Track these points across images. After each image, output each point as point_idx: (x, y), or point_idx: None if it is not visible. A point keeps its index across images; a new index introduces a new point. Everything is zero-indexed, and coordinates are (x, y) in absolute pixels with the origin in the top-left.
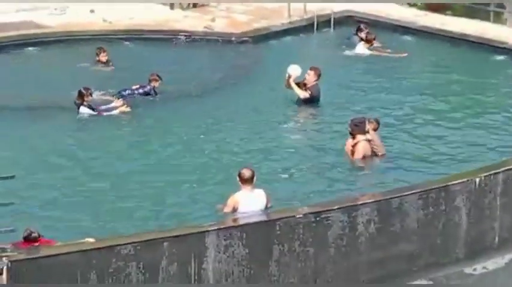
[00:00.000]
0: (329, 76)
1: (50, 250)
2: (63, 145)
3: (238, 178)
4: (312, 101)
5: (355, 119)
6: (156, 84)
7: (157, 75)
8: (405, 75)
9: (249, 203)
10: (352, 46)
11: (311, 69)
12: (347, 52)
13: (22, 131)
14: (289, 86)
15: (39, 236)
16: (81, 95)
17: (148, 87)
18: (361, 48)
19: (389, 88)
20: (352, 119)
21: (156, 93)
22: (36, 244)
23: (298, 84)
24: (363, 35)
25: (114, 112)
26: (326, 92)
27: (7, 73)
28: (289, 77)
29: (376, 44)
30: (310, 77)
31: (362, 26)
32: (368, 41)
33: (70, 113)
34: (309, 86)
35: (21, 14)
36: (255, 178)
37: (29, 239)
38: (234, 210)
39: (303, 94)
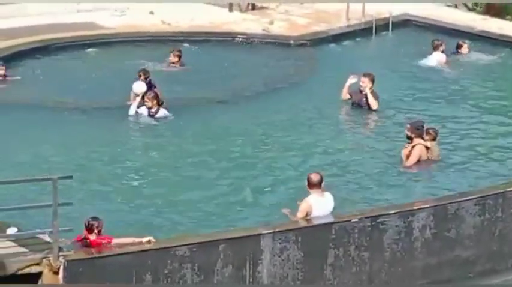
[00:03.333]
0: (391, 83)
1: (105, 250)
2: (121, 146)
3: (306, 183)
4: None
5: (414, 123)
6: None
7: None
8: (464, 82)
9: (321, 207)
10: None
11: (365, 75)
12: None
13: (80, 131)
14: (345, 96)
15: (97, 226)
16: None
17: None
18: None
19: (447, 96)
20: (411, 122)
21: (154, 86)
22: (93, 235)
23: (351, 93)
24: (464, 50)
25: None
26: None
27: (67, 74)
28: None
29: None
30: (366, 84)
31: (461, 42)
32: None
33: (127, 113)
34: (368, 92)
35: (82, 15)
36: (323, 182)
37: (88, 228)
38: (308, 215)
39: (375, 105)
